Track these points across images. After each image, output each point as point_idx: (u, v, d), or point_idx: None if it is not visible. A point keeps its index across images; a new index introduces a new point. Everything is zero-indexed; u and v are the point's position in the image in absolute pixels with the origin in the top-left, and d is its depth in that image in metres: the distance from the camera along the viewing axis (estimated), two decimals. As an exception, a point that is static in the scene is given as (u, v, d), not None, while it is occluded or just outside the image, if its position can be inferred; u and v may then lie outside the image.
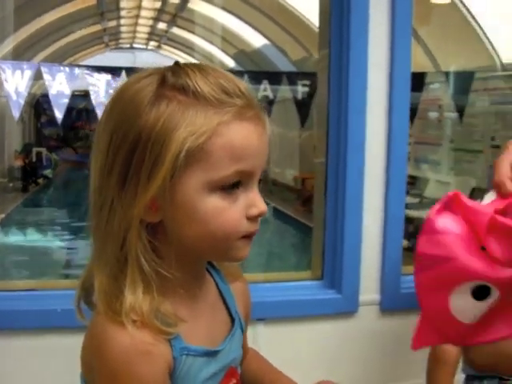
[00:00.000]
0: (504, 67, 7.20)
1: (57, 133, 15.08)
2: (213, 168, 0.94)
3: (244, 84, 1.00)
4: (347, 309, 1.94)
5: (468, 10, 6.74)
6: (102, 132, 1.00)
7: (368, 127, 1.87)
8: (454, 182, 8.00)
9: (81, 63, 12.47)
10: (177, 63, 1.01)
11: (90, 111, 13.97)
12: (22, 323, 1.76)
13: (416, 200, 6.30)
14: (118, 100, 1.00)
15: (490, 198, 1.07)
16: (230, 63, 12.77)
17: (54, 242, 8.08)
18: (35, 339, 1.75)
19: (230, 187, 0.96)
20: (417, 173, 7.44)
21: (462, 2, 6.72)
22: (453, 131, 8.02)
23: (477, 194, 7.40)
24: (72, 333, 1.73)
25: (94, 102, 5.46)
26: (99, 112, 5.49)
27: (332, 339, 1.95)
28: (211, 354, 1.05)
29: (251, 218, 0.99)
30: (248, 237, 1.01)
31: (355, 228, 1.92)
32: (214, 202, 0.96)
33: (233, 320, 1.14)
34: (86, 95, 5.47)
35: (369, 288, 1.97)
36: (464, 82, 6.34)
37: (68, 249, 7.63)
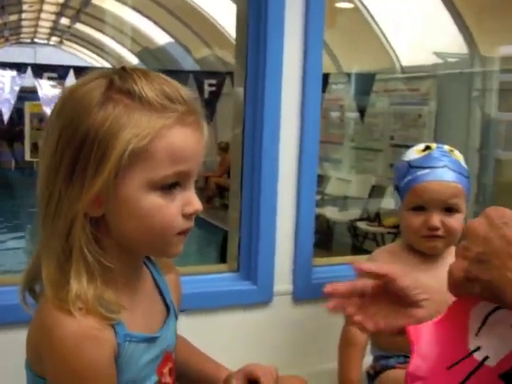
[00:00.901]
0: (403, 70, 7.48)
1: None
2: (154, 168, 1.01)
3: (186, 91, 1.06)
4: (262, 299, 2.03)
5: (370, 15, 6.98)
6: (51, 129, 1.04)
7: (282, 129, 1.97)
8: (354, 179, 8.27)
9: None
10: (123, 68, 1.06)
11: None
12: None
13: (318, 197, 6.47)
14: (68, 99, 1.03)
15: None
16: (134, 60, 12.67)
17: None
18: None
19: (169, 187, 1.03)
20: (319, 171, 7.66)
21: (364, 7, 6.95)
22: (354, 131, 8.27)
23: (376, 191, 7.68)
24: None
25: (-2, 98, 5.37)
26: (4, 110, 5.40)
27: (248, 328, 2.02)
28: (151, 340, 1.11)
29: (187, 216, 1.06)
30: (183, 233, 1.08)
31: (270, 224, 2.00)
32: (154, 200, 1.02)
33: (168, 309, 1.21)
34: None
35: (282, 279, 2.05)
36: (365, 83, 6.59)
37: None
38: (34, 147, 10.06)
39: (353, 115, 7.69)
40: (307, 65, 1.99)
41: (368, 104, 6.81)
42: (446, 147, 1.75)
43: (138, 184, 1.01)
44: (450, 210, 1.71)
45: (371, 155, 8.01)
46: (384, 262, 1.80)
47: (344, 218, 7.57)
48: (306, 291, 2.07)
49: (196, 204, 1.06)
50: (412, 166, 1.73)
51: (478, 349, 1.00)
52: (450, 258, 1.75)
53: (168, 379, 1.19)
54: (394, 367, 1.80)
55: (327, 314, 1.97)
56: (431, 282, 1.63)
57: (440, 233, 1.72)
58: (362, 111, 6.85)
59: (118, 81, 1.02)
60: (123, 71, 1.04)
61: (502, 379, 0.99)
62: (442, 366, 1.00)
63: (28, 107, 10.53)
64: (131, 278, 1.12)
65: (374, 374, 1.85)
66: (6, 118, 5.63)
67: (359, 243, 7.30)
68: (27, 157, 9.89)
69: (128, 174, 1.01)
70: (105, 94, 1.01)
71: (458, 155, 1.75)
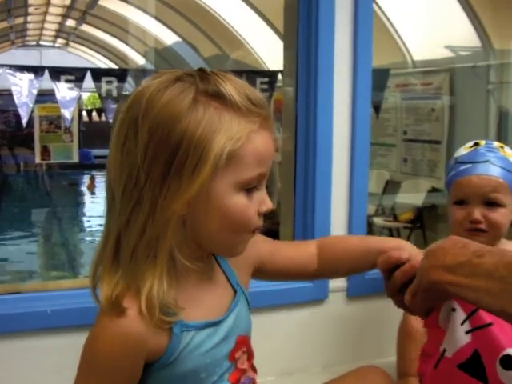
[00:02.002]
0: (415, 64, 7.47)
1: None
2: (242, 170, 1.06)
3: (261, 94, 1.11)
4: (317, 296, 2.04)
5: (381, 8, 6.97)
6: (135, 135, 1.05)
7: (334, 127, 1.99)
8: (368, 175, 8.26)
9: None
10: (201, 69, 1.09)
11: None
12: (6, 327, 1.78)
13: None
14: (151, 105, 1.05)
15: None
16: (141, 61, 12.68)
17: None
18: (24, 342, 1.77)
19: (252, 188, 1.09)
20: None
21: (375, 2, 6.94)
22: (367, 126, 8.26)
23: (391, 186, 7.69)
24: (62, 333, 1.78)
25: (16, 101, 5.37)
26: (22, 113, 5.41)
27: (303, 325, 2.04)
28: (212, 325, 1.15)
29: (260, 214, 1.12)
30: (256, 231, 1.15)
31: (324, 223, 2.01)
32: (240, 200, 1.08)
33: (235, 292, 1.24)
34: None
35: (336, 276, 2.07)
36: (379, 78, 6.57)
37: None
38: (45, 150, 10.06)
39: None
40: (357, 60, 2.01)
41: (382, 99, 6.78)
42: (496, 144, 1.78)
43: (228, 185, 1.06)
44: (491, 204, 1.72)
45: (384, 150, 7.98)
46: None
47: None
48: (360, 287, 2.09)
49: (269, 203, 1.12)
50: (457, 162, 1.77)
51: (441, 343, 1.20)
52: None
53: (245, 365, 1.22)
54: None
55: (381, 310, 1.99)
56: None
57: (483, 226, 1.73)
58: (376, 107, 6.82)
59: (202, 83, 1.05)
60: (203, 73, 1.07)
61: (460, 369, 1.18)
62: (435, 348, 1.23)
63: (37, 110, 10.51)
64: (201, 271, 1.16)
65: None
66: (24, 121, 5.66)
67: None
68: (37, 160, 9.92)
69: (220, 176, 1.04)
70: (194, 96, 1.04)
71: (508, 152, 1.77)
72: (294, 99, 2.01)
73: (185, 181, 1.03)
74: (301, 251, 1.41)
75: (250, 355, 1.25)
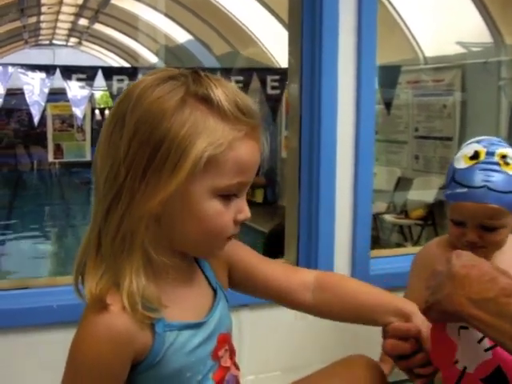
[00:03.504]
0: (426, 60, 7.45)
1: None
2: (221, 177, 1.06)
3: (254, 104, 1.11)
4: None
5: (392, 5, 6.96)
6: (122, 126, 1.06)
7: (338, 126, 1.99)
8: (379, 172, 8.25)
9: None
10: (196, 71, 1.10)
11: (9, 111, 13.64)
12: (13, 321, 1.80)
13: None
14: (141, 99, 1.06)
15: None
16: (154, 59, 12.71)
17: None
18: (31, 336, 1.79)
19: (228, 197, 1.09)
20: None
21: (386, -3, 6.93)
22: (378, 123, 8.24)
23: (402, 183, 7.68)
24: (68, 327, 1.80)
25: (28, 100, 5.40)
26: (34, 112, 5.44)
27: (310, 320, 2.04)
28: (195, 327, 1.15)
29: (237, 222, 1.12)
30: (230, 238, 1.15)
31: (328, 218, 2.03)
32: (215, 205, 1.08)
33: (215, 292, 1.24)
34: (6, 94, 5.40)
35: (341, 271, 2.08)
36: (391, 75, 6.56)
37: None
38: (58, 148, 10.10)
39: (377, 108, 7.64)
40: (362, 57, 2.01)
41: (394, 96, 6.77)
42: (498, 154, 1.68)
43: (204, 189, 1.06)
44: (488, 228, 1.69)
45: (396, 147, 7.97)
46: (436, 254, 1.81)
47: (370, 211, 7.53)
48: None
49: (247, 212, 1.12)
50: (454, 180, 1.70)
51: (456, 362, 1.16)
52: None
53: (228, 362, 1.23)
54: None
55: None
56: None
57: (480, 244, 1.70)
58: (387, 103, 6.81)
59: (194, 85, 1.06)
60: (197, 74, 1.08)
61: (484, 382, 1.15)
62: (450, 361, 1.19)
63: (50, 108, 10.57)
64: (179, 270, 1.16)
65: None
66: (36, 119, 5.69)
67: (386, 236, 7.29)
68: (50, 158, 9.97)
69: (197, 179, 1.05)
70: (182, 97, 1.04)
71: (510, 163, 1.67)
72: (298, 96, 2.02)
73: (163, 179, 1.03)
74: (289, 274, 1.36)
75: (231, 353, 1.25)
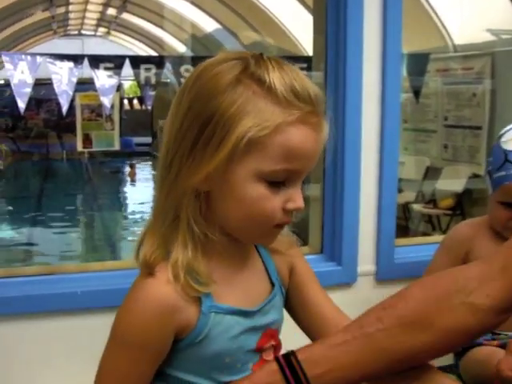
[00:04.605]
0: (456, 48, 7.37)
1: (5, 123, 14.81)
2: (265, 160, 1.03)
3: (316, 90, 1.07)
4: (346, 280, 2.05)
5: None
6: (182, 101, 1.08)
7: (364, 113, 1.98)
8: (408, 161, 8.19)
9: (28, 51, 12.29)
10: (261, 54, 1.08)
11: (39, 101, 13.77)
12: (40, 307, 1.83)
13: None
14: (202, 75, 1.07)
15: None
16: (182, 48, 12.74)
17: (7, 233, 8.05)
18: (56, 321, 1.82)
19: (276, 184, 1.05)
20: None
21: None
22: (407, 112, 8.18)
23: (431, 173, 7.61)
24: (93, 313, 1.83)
25: (56, 90, 5.45)
26: (62, 101, 5.49)
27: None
28: (243, 314, 1.14)
29: (287, 211, 1.08)
30: (280, 226, 1.11)
31: (353, 206, 2.02)
32: (258, 190, 1.04)
33: (273, 285, 1.23)
34: (36, 84, 5.45)
35: (365, 260, 2.07)
36: (419, 63, 6.50)
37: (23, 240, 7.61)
38: (86, 138, 10.19)
39: (405, 96, 7.59)
40: (387, 44, 1.99)
41: (422, 84, 6.70)
42: None
43: (247, 172, 1.04)
44: None
45: (425, 136, 7.89)
46: (468, 234, 1.82)
47: (399, 201, 7.49)
48: (389, 271, 2.09)
49: (298, 202, 1.08)
50: (508, 160, 1.71)
51: None
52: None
53: (271, 356, 1.20)
54: (481, 344, 1.80)
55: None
56: None
57: None
58: (416, 92, 6.74)
59: (253, 66, 1.04)
60: (260, 57, 1.06)
61: None
62: None
63: (79, 98, 10.64)
64: (232, 250, 1.15)
65: (461, 351, 1.86)
66: (64, 109, 5.71)
67: (414, 226, 7.24)
68: (79, 148, 10.05)
69: (240, 160, 1.03)
70: (237, 76, 1.03)
71: None
72: (323, 84, 2.00)
73: (207, 156, 1.03)
74: (336, 317, 1.28)
75: (277, 348, 1.23)
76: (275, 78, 1.03)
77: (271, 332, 1.21)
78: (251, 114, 1.02)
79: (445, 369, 1.83)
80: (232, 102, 1.02)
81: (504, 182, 1.72)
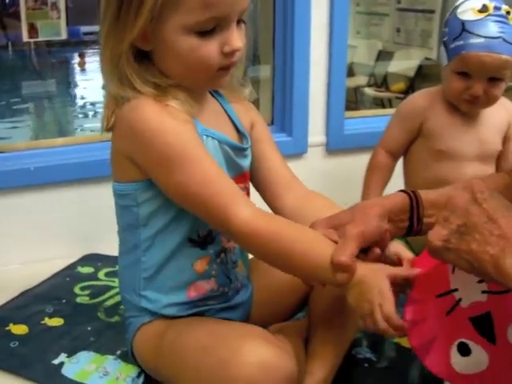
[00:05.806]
0: None
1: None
2: (187, 13, 1.08)
3: None
4: (297, 150, 2.09)
5: None
6: None
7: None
8: (360, 45, 8.12)
9: None
10: None
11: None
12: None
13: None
14: None
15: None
16: None
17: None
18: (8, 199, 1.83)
19: (207, 32, 1.12)
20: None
21: None
22: (359, -5, 8.06)
23: (383, 56, 7.58)
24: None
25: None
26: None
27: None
28: (232, 146, 1.26)
29: (226, 54, 1.14)
30: (223, 69, 1.17)
31: (303, 77, 2.03)
32: (189, 41, 1.11)
33: (240, 135, 1.33)
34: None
35: (316, 131, 2.10)
36: None
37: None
38: (32, 27, 9.82)
39: (358, -22, 7.47)
40: None
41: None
42: (504, 8, 1.71)
43: (174, 28, 1.10)
44: (494, 79, 1.73)
45: (377, 20, 7.82)
46: (424, 106, 1.84)
47: (350, 84, 7.48)
48: (339, 142, 2.13)
49: (234, 43, 1.13)
50: (466, 30, 1.71)
51: (456, 290, 1.11)
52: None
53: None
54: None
55: (360, 164, 2.05)
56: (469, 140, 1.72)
57: (482, 99, 1.75)
58: (368, -26, 6.60)
59: None
60: None
61: (470, 321, 1.11)
62: (431, 293, 1.11)
63: (21, -14, 10.15)
64: (197, 95, 1.24)
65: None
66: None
67: (366, 109, 7.27)
68: (25, 38, 9.74)
69: (164, 19, 1.09)
70: None
71: None
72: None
73: (130, 20, 1.10)
74: (290, 181, 1.41)
75: (246, 190, 1.34)
76: None
77: (246, 174, 1.32)
78: None
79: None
80: None
81: (461, 51, 1.72)
